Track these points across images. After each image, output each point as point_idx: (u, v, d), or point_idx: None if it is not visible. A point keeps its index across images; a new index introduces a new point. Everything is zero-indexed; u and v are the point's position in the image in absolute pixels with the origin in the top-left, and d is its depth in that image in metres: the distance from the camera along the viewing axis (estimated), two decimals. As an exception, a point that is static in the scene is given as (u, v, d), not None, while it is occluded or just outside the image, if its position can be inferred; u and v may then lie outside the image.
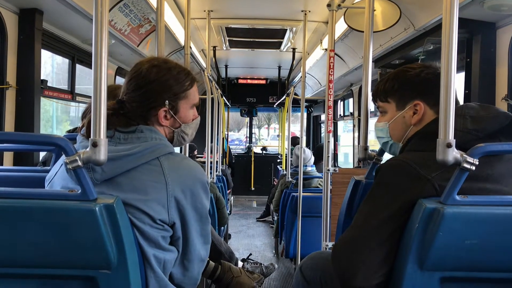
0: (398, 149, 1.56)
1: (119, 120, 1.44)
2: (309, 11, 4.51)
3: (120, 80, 5.27)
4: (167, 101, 1.48)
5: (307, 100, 9.29)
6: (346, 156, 9.05)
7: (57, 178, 1.47)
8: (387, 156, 1.70)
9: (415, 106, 1.48)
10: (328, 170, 2.80)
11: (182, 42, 4.84)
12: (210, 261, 2.56)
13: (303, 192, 4.09)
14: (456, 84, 1.21)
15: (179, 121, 1.53)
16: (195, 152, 6.51)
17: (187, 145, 3.11)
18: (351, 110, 6.92)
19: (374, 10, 2.39)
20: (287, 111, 5.98)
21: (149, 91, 1.46)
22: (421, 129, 1.45)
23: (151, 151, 1.38)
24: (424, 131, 1.44)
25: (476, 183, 1.27)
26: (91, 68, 1.23)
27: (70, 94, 4.10)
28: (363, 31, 2.22)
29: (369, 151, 2.04)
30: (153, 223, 1.35)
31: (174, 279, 1.50)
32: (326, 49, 5.12)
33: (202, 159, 5.86)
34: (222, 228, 4.85)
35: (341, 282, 1.35)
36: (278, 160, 10.06)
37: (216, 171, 5.62)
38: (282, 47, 6.42)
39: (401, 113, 1.52)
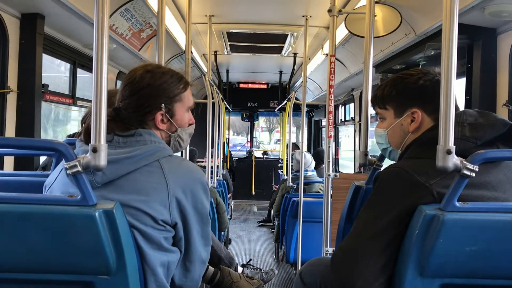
0: (397, 156, 1.56)
1: (117, 125, 1.46)
2: (310, 16, 4.52)
3: (121, 85, 5.27)
4: (163, 104, 1.50)
5: (308, 105, 9.31)
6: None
7: (56, 183, 1.48)
8: (387, 162, 1.69)
9: (412, 114, 1.48)
10: (329, 175, 2.79)
11: (183, 47, 4.85)
12: (210, 266, 2.56)
13: (303, 197, 4.08)
14: (456, 90, 1.21)
15: (175, 125, 1.55)
16: (196, 157, 6.50)
17: (188, 149, 3.12)
18: (352, 115, 6.92)
19: (375, 16, 2.39)
20: (288, 116, 5.98)
21: (144, 95, 1.48)
22: (419, 137, 1.45)
23: (151, 154, 1.39)
24: (422, 139, 1.44)
25: (474, 190, 1.27)
26: (92, 72, 1.23)
27: (71, 98, 4.10)
28: (363, 37, 2.23)
29: (370, 157, 2.04)
30: (155, 224, 1.36)
31: (175, 281, 1.51)
32: (327, 54, 5.12)
33: (202, 164, 5.85)
34: (223, 232, 4.84)
35: None
36: (279, 165, 10.05)
37: (217, 176, 5.61)
38: (283, 52, 6.43)
39: (399, 121, 1.52)
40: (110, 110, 1.46)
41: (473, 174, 1.15)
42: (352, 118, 6.78)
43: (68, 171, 1.12)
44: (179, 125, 1.56)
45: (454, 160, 1.16)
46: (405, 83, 1.51)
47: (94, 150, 1.14)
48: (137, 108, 1.48)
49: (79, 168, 1.12)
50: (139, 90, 1.48)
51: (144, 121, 1.49)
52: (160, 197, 1.36)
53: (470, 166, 1.15)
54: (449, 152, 1.16)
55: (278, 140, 13.08)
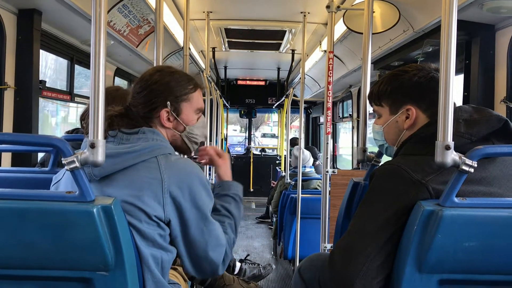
0: (393, 152, 1.56)
1: (123, 122, 1.48)
2: (308, 13, 4.51)
3: (119, 81, 5.26)
4: (168, 102, 1.51)
5: (306, 102, 9.30)
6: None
7: (63, 180, 1.50)
8: (386, 158, 1.70)
9: (407, 111, 1.48)
10: (327, 171, 2.79)
11: (181, 43, 4.84)
12: None
13: (302, 194, 4.09)
14: (454, 86, 1.21)
15: (183, 124, 1.56)
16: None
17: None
18: (350, 112, 6.93)
19: (373, 12, 2.39)
20: (286, 113, 5.99)
21: (151, 92, 1.51)
22: (414, 133, 1.45)
23: (150, 150, 1.40)
24: (417, 135, 1.43)
25: (469, 186, 1.27)
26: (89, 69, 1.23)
27: (69, 95, 4.09)
28: (362, 33, 2.22)
29: (368, 153, 2.04)
30: (149, 220, 1.35)
31: (189, 272, 1.51)
32: (325, 51, 5.12)
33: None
34: (221, 229, 4.84)
35: None
36: (277, 161, 10.06)
37: (215, 172, 5.61)
38: (281, 49, 6.42)
39: (394, 118, 1.52)
40: (121, 108, 1.51)
41: (472, 170, 1.15)
42: (350, 114, 6.79)
43: (66, 167, 1.12)
44: (187, 124, 1.57)
45: (453, 155, 1.16)
46: (399, 80, 1.50)
47: (92, 146, 1.14)
48: (144, 104, 1.51)
49: (77, 164, 1.12)
50: (148, 87, 1.51)
51: (150, 118, 1.52)
52: (154, 192, 1.35)
53: (468, 161, 1.15)
54: (447, 147, 1.16)
55: (273, 135, 13.00)
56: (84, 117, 2.16)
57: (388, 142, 1.59)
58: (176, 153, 1.60)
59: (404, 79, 1.49)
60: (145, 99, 1.51)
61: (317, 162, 6.12)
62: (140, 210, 1.34)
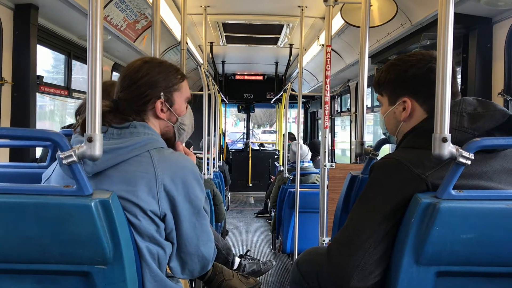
0: (396, 142, 1.56)
1: (114, 117, 1.46)
2: (306, 7, 4.50)
3: (117, 76, 5.25)
4: (162, 92, 1.51)
5: (304, 96, 9.31)
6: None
7: (53, 176, 1.49)
8: (383, 152, 1.70)
9: (404, 103, 1.47)
10: (325, 165, 2.79)
11: (179, 38, 4.83)
12: None
13: (300, 188, 4.09)
14: (455, 77, 1.20)
15: (175, 114, 1.55)
16: (191, 149, 6.49)
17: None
18: (348, 106, 6.92)
19: (371, 6, 2.39)
20: (284, 107, 5.98)
21: (144, 84, 1.49)
22: (417, 126, 1.44)
23: (142, 145, 1.39)
24: (419, 128, 1.42)
25: (470, 180, 1.27)
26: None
27: (66, 90, 4.08)
28: (359, 27, 2.22)
29: (366, 146, 2.04)
30: (144, 215, 1.34)
31: (174, 273, 1.50)
32: (323, 45, 5.11)
33: (199, 156, 5.85)
34: (220, 224, 4.85)
35: (336, 283, 1.34)
36: (276, 156, 10.07)
37: (214, 167, 5.61)
38: (279, 43, 6.41)
39: (392, 109, 1.51)
40: (109, 103, 1.48)
41: (469, 162, 1.15)
42: (348, 108, 6.78)
43: (63, 161, 1.11)
44: (179, 114, 1.57)
45: (449, 148, 1.16)
46: (396, 71, 1.49)
47: (90, 140, 1.14)
48: (137, 97, 1.49)
49: (75, 158, 1.12)
50: (139, 80, 1.49)
51: (144, 110, 1.50)
52: (148, 186, 1.34)
53: (465, 154, 1.15)
54: (444, 140, 1.16)
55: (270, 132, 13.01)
56: (79, 111, 2.14)
57: (388, 132, 1.59)
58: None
59: (400, 70, 1.47)
60: (138, 92, 1.49)
61: (318, 157, 6.13)
62: (135, 205, 1.33)
